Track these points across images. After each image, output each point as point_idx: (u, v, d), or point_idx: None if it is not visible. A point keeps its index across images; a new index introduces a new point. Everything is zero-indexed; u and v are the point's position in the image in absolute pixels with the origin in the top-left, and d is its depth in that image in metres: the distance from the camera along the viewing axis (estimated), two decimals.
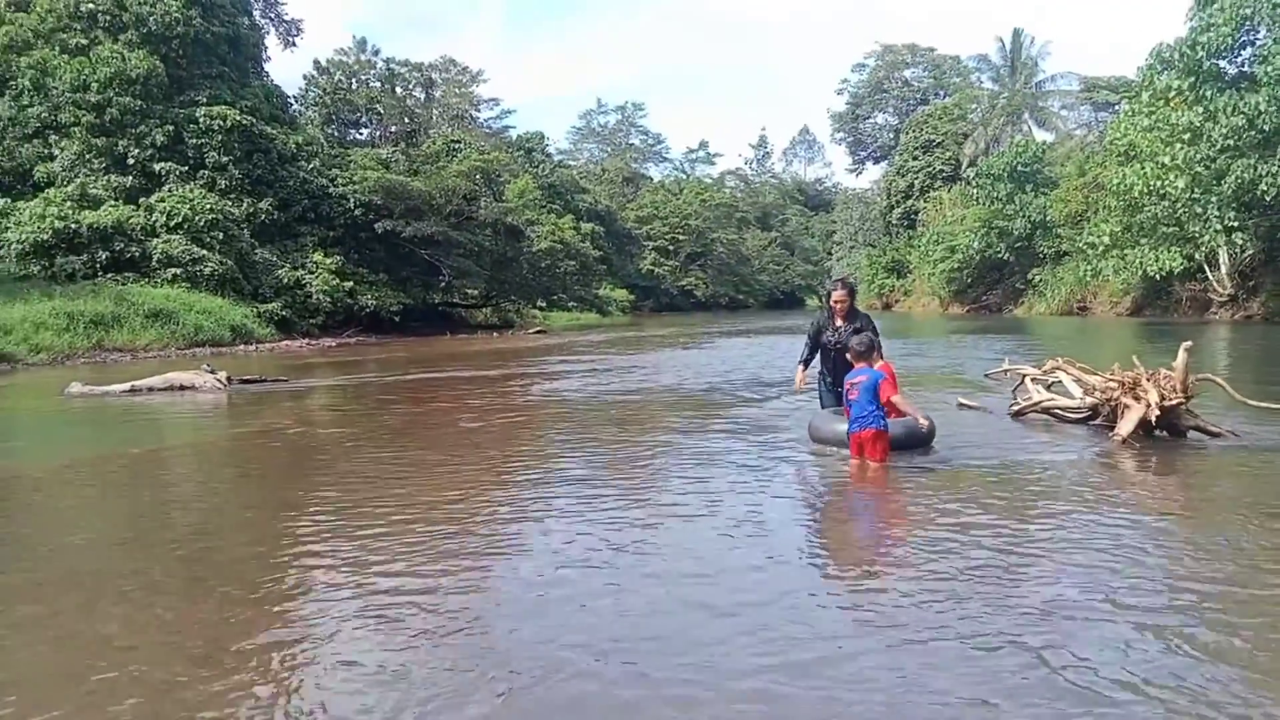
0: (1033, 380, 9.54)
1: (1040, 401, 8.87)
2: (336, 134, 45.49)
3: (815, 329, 8.21)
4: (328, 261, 30.95)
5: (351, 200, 33.01)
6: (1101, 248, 34.03)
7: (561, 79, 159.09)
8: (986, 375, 13.06)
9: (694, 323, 47.51)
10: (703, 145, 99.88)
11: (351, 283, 31.53)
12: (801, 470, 7.07)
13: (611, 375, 16.08)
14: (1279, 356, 17.62)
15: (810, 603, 3.94)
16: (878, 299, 69.28)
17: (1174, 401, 7.23)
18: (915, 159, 68.46)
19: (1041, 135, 58.10)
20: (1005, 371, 11.59)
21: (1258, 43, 27.58)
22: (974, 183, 51.45)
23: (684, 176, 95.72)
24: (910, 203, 68.24)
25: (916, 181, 67.93)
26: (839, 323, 8.03)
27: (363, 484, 6.73)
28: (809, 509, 6.17)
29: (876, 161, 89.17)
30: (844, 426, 7.10)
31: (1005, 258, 50.06)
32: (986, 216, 49.36)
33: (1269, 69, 25.13)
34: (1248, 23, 26.89)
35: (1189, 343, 7.35)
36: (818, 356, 8.27)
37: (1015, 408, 9.12)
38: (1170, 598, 3.86)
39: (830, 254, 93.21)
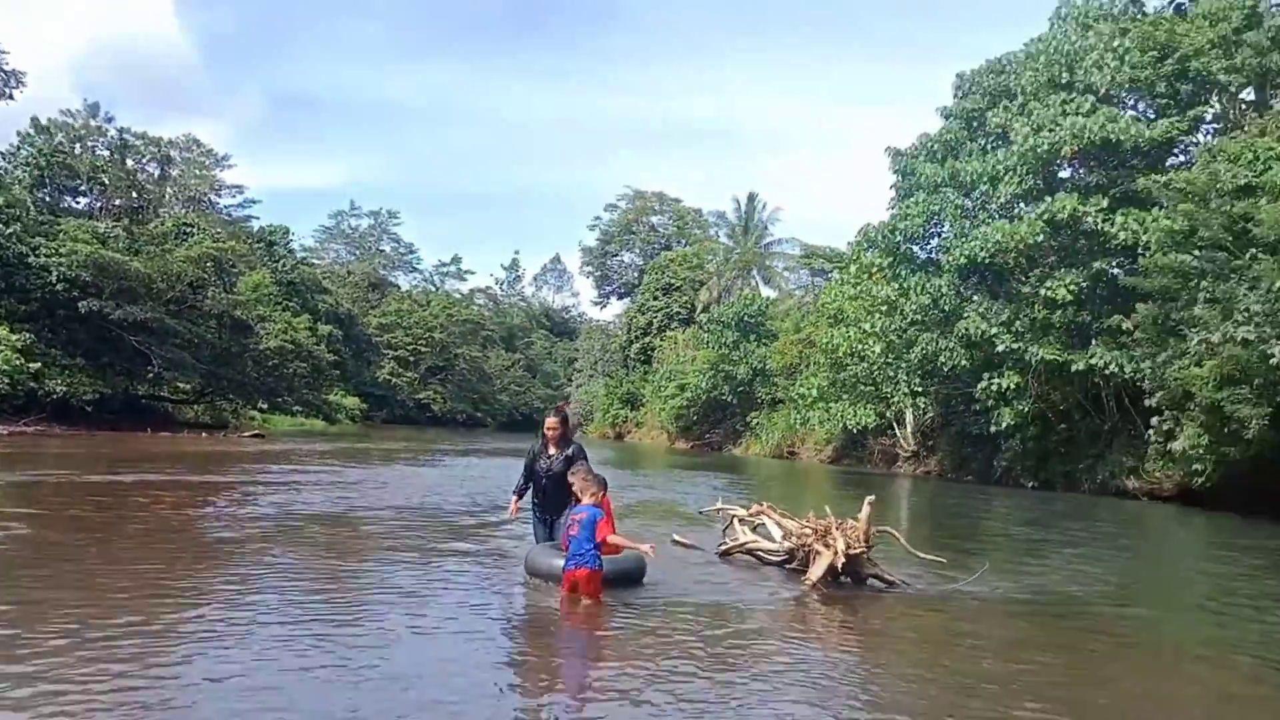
0: (740, 521, 10.14)
1: (745, 543, 9.44)
2: (48, 199, 41.24)
3: (530, 457, 8.30)
4: (13, 338, 27.47)
5: (54, 273, 29.78)
6: (810, 399, 37.38)
7: (316, 174, 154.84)
8: (701, 512, 13.70)
9: (428, 438, 46.43)
10: (455, 260, 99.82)
11: (39, 364, 28.09)
12: (512, 602, 7.01)
13: (325, 490, 15.25)
14: (947, 511, 19.92)
15: None
16: (611, 428, 71.39)
17: (857, 550, 7.96)
18: (655, 299, 72.61)
19: (766, 291, 63.76)
20: (718, 510, 12.22)
21: (942, 235, 32.26)
22: (705, 327, 55.37)
23: (433, 289, 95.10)
24: (648, 339, 71.82)
25: (655, 320, 71.87)
26: (551, 450, 8.18)
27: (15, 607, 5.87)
28: (514, 644, 6.10)
29: (620, 297, 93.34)
30: (560, 562, 7.14)
31: (729, 399, 53.60)
32: (714, 360, 52.92)
33: (949, 258, 29.35)
34: (935, 217, 31.43)
35: (872, 497, 8.18)
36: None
37: (723, 547, 9.64)
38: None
39: (571, 380, 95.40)
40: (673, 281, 71.94)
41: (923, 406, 34.44)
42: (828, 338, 34.60)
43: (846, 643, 6.57)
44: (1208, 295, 20.44)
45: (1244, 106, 26.44)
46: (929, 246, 32.99)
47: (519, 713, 4.51)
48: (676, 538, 10.53)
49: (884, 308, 31.70)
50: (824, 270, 61.30)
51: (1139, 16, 28.93)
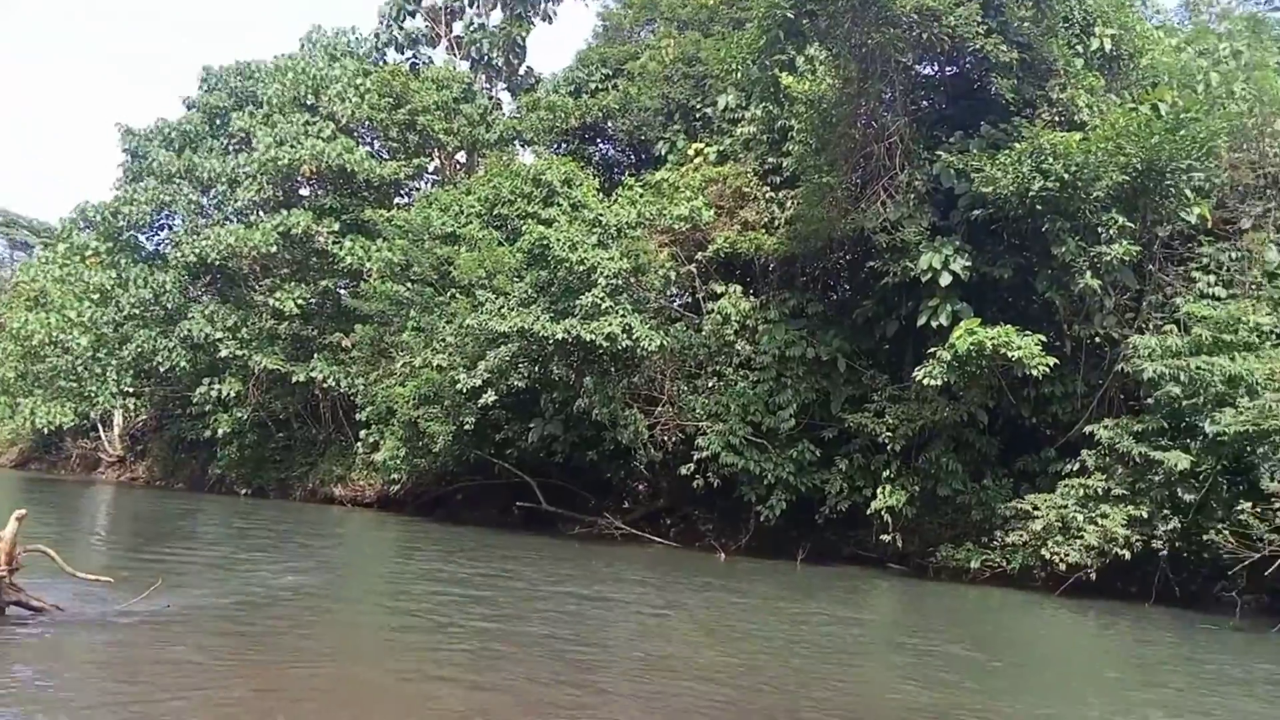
0: None
1: None
2: None
3: None
4: None
5: None
6: None
7: None
8: None
9: None
10: None
11: None
12: None
13: None
14: (146, 520, 18.48)
15: None
16: None
17: None
18: None
19: None
20: None
21: (173, 228, 30.27)
22: None
23: None
24: None
25: None
26: None
27: None
28: None
29: None
30: None
31: None
32: None
33: (178, 254, 27.66)
34: (167, 209, 29.35)
35: (22, 511, 6.99)
36: None
37: None
38: None
39: None
40: None
41: (134, 408, 31.68)
42: (22, 322, 29.56)
43: None
44: (415, 324, 22.89)
45: (458, 165, 30.60)
46: (157, 239, 30.77)
47: None
48: None
49: (96, 296, 28.41)
50: (27, 243, 52.74)
51: (380, 63, 31.43)
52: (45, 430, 32.24)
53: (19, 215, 55.29)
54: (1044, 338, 15.80)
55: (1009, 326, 15.72)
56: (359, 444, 25.15)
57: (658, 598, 11.97)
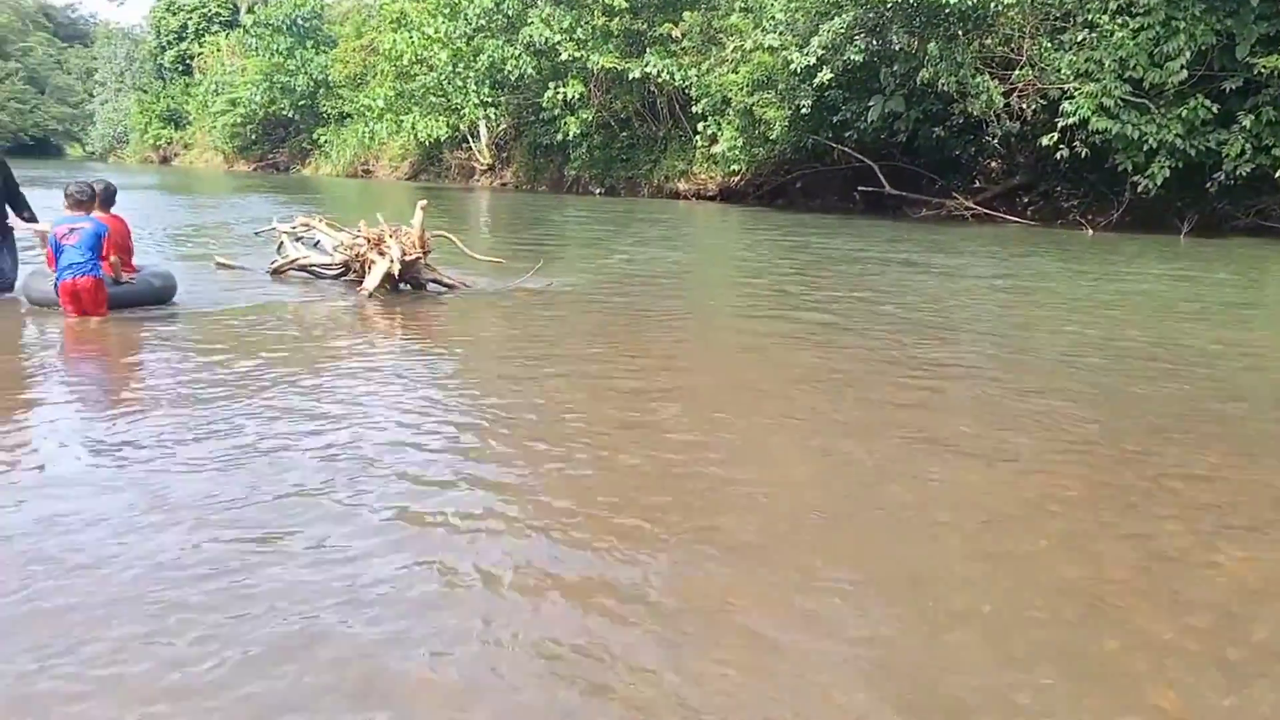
0: (291, 239, 9.44)
1: (297, 259, 8.84)
2: None
3: None
4: None
5: None
6: (377, 110, 35.32)
7: None
8: (257, 234, 12.63)
9: None
10: None
11: None
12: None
13: None
14: (516, 218, 20.46)
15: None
16: (154, 151, 62.73)
17: (413, 256, 7.79)
18: None
19: None
20: (275, 229, 11.32)
21: None
22: (252, 31, 48.70)
23: None
24: (185, 46, 61.96)
25: (191, 22, 61.76)
26: None
27: None
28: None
29: None
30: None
31: (290, 115, 49.01)
32: (267, 70, 47.38)
33: None
34: None
35: (424, 201, 7.94)
36: None
37: (274, 265, 8.97)
38: (426, 404, 4.12)
39: (93, 96, 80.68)
40: None
41: (495, 118, 34.17)
42: (390, 44, 32.31)
43: (412, 337, 6.59)
44: (742, 4, 21.88)
45: None
46: None
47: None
48: (220, 260, 9.59)
49: (446, 10, 30.05)
50: None
51: None
52: (426, 143, 36.06)
53: None
54: None
55: None
56: (697, 137, 25.45)
57: (1021, 270, 11.35)
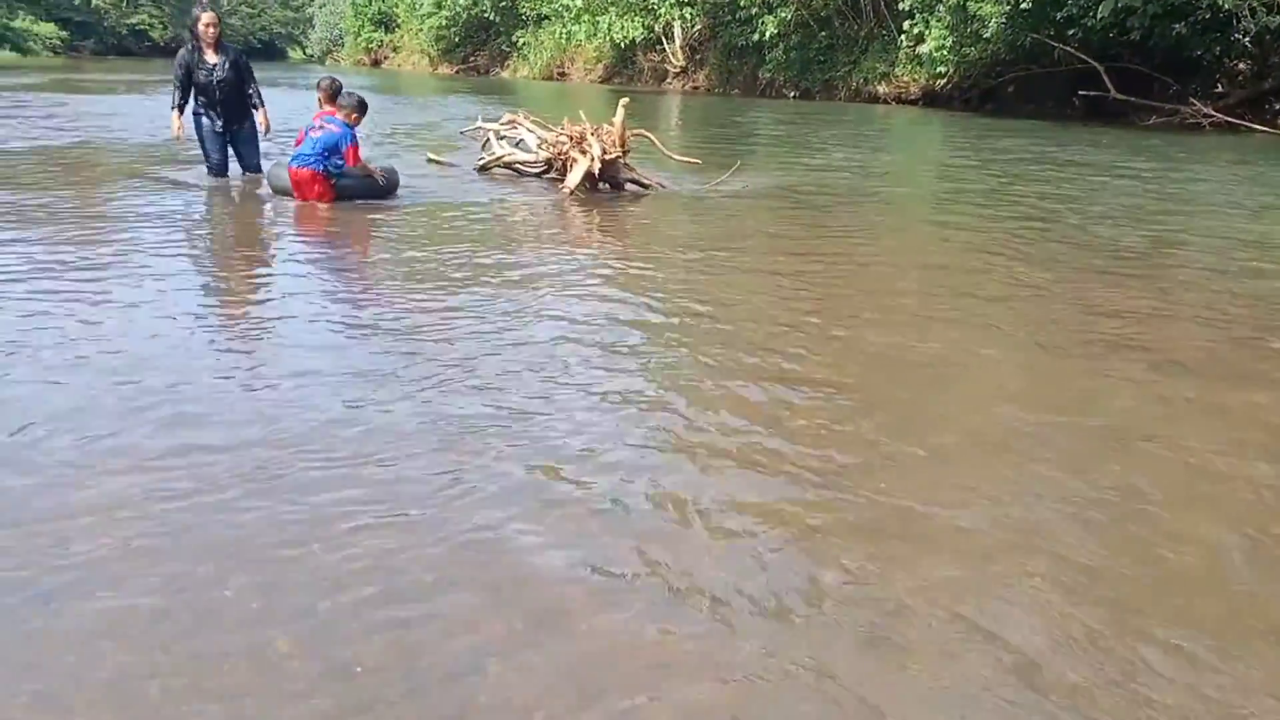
0: (497, 136, 9.76)
1: (502, 156, 9.16)
2: None
3: (184, 69, 7.68)
4: None
5: None
6: (575, 11, 35.45)
7: None
8: (462, 133, 13.17)
9: (153, 68, 40.74)
10: None
11: None
12: (236, 218, 6.61)
13: (46, 123, 13.22)
14: (709, 121, 20.21)
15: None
16: (366, 54, 65.68)
17: (613, 155, 7.90)
18: None
19: None
20: (478, 129, 11.74)
21: None
22: None
23: None
24: None
25: None
26: (210, 57, 7.66)
27: None
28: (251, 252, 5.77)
29: None
30: None
31: (491, 18, 49.96)
32: None
33: None
34: None
35: (626, 99, 7.99)
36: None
37: (480, 163, 9.33)
38: (625, 293, 4.31)
39: (312, 0, 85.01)
40: None
41: (690, 18, 33.57)
42: None
43: (611, 235, 6.76)
44: None
45: None
46: None
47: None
48: (431, 156, 10.07)
49: None
50: None
51: None
52: (621, 45, 35.95)
53: None
54: None
55: None
56: (902, 37, 24.09)
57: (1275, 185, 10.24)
